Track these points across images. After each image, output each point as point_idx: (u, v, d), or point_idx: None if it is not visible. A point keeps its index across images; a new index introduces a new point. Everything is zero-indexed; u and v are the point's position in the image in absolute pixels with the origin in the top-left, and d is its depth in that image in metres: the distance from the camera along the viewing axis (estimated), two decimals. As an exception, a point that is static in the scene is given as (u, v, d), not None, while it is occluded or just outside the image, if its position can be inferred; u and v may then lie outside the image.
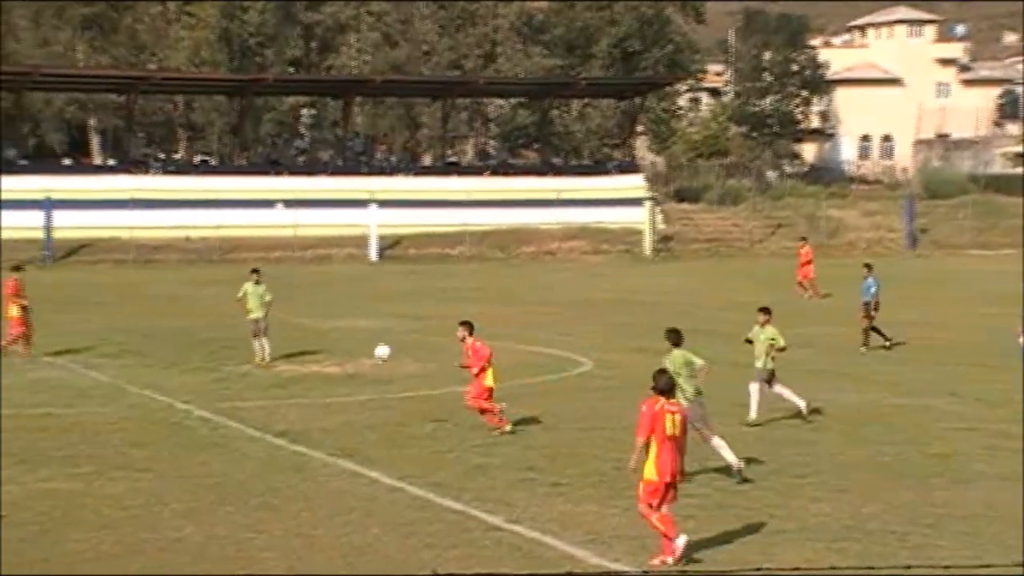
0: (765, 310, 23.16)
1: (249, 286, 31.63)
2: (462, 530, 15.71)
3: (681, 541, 14.27)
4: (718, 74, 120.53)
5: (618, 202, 78.01)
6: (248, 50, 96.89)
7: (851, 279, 38.81)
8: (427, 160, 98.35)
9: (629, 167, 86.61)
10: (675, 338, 18.80)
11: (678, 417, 14.37)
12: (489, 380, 21.82)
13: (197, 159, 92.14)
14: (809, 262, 50.44)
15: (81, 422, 22.79)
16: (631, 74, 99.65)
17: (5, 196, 67.46)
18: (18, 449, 20.35)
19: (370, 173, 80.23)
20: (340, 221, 72.08)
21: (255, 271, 32.59)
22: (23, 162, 76.47)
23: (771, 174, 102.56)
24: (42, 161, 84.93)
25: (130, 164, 78.00)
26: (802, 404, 23.07)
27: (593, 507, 16.78)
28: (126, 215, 67.94)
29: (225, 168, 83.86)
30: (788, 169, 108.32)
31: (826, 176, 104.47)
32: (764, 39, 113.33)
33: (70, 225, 66.37)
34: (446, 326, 35.18)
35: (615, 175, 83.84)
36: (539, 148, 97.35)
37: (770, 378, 22.99)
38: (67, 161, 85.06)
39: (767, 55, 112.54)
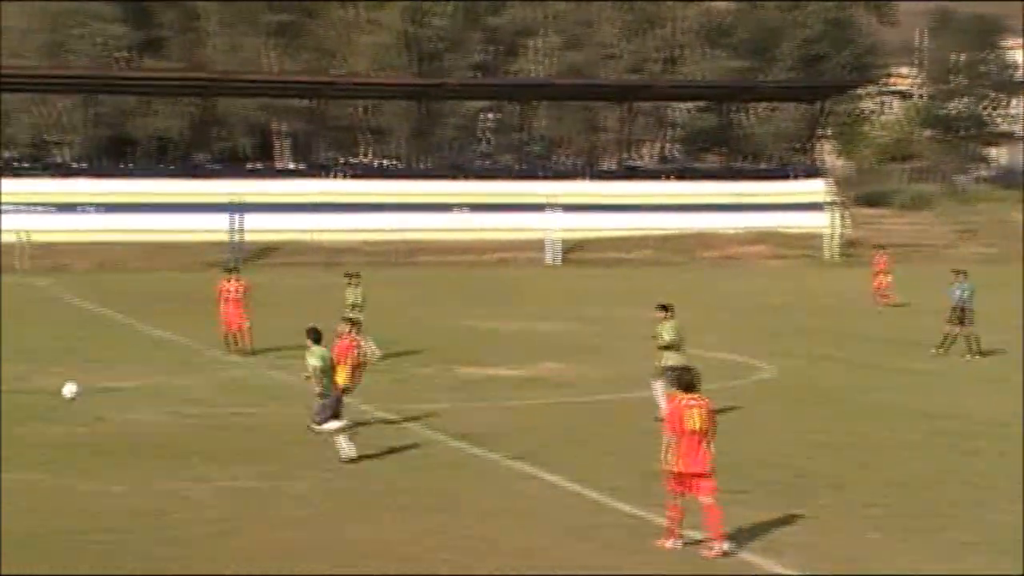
0: (664, 307, 23.53)
1: (350, 290, 32.23)
2: (640, 535, 15.63)
3: (670, 543, 14.87)
4: (903, 76, 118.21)
5: (801, 207, 77.11)
6: (431, 54, 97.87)
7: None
8: (607, 164, 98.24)
9: (812, 171, 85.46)
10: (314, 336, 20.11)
11: (700, 411, 14.76)
12: None
13: (380, 163, 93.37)
14: (884, 271, 48.83)
15: (267, 422, 23.22)
16: (816, 77, 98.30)
17: (195, 199, 69.20)
18: (206, 447, 20.81)
19: (550, 177, 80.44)
20: (520, 225, 72.39)
21: (352, 275, 33.43)
22: (213, 166, 78.32)
23: (961, 178, 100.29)
24: (231, 165, 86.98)
25: (315, 168, 79.38)
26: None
27: (772, 515, 16.57)
28: (311, 218, 69.13)
29: (407, 172, 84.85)
30: (978, 173, 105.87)
31: (1018, 180, 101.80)
32: (956, 40, 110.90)
33: (257, 228, 67.76)
34: (625, 330, 35.20)
35: (798, 179, 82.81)
36: (721, 152, 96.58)
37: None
38: (255, 165, 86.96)
39: (959, 56, 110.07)
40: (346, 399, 20.83)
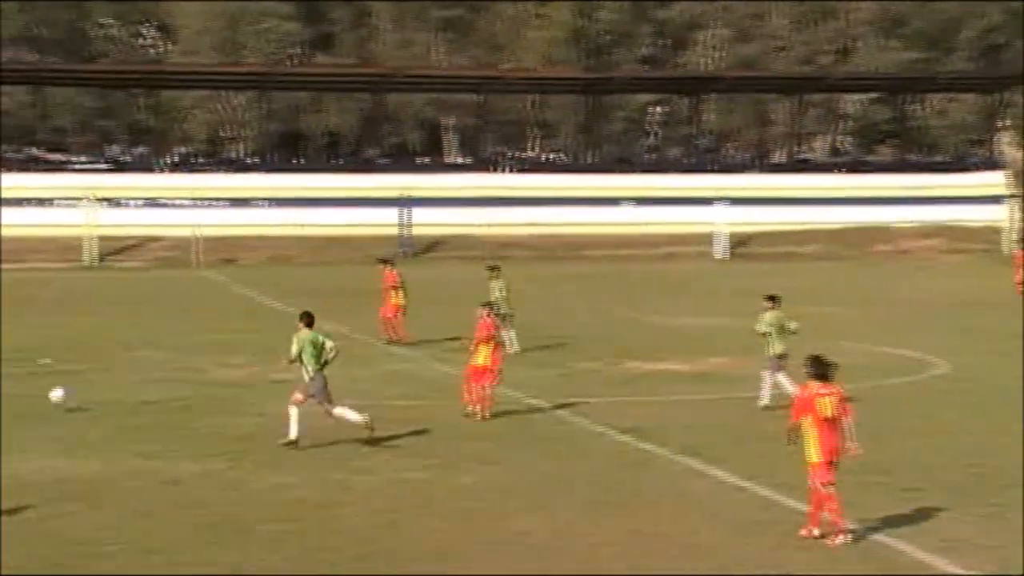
0: (772, 298, 23.97)
1: (493, 282, 32.31)
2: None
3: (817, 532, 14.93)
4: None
5: (978, 199, 75.37)
6: (600, 48, 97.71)
7: None
8: (778, 157, 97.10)
9: (991, 163, 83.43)
10: (307, 319, 20.47)
11: (832, 399, 14.88)
12: None
13: (547, 157, 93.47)
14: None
15: (431, 414, 23.28)
16: (996, 67, 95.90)
17: (366, 194, 69.99)
18: (373, 440, 20.90)
19: (719, 170, 79.79)
20: (688, 219, 71.88)
21: (494, 267, 33.49)
22: (383, 161, 79.15)
23: None
24: (400, 160, 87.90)
25: (483, 162, 79.75)
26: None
27: (948, 514, 16.11)
28: (478, 212, 69.45)
29: (574, 166, 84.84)
30: None
31: None
32: None
33: (426, 222, 68.28)
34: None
35: (975, 172, 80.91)
36: (895, 144, 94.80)
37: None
38: (423, 160, 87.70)
39: None
40: (502, 389, 20.77)
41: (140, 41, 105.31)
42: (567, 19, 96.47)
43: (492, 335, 23.27)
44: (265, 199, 70.89)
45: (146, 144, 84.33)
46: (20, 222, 66.49)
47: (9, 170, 72.56)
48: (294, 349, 20.46)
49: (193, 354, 29.85)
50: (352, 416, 20.45)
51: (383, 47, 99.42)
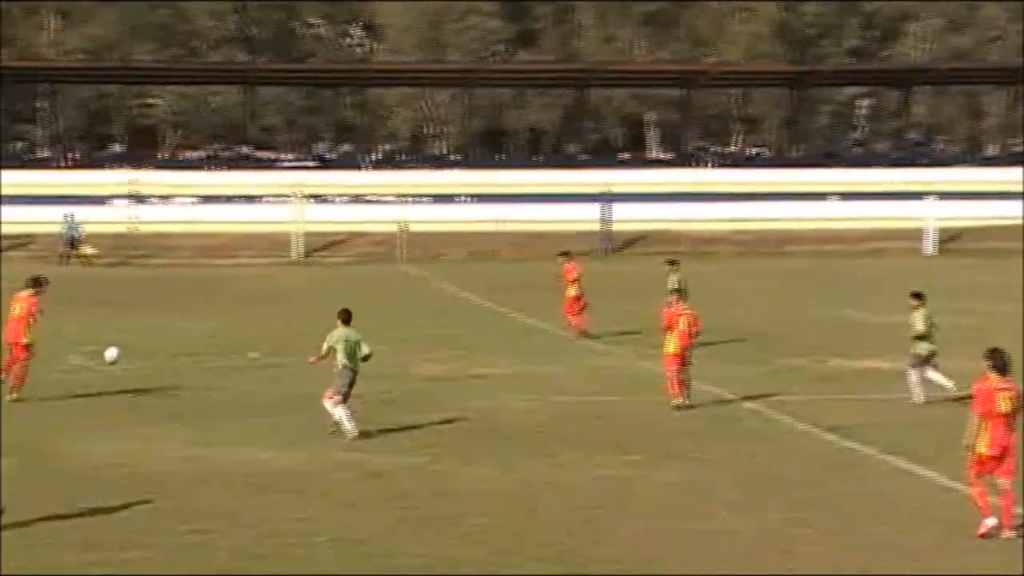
0: (917, 295, 24.27)
1: (671, 276, 32.57)
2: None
3: (991, 521, 14.91)
4: None
5: None
6: (806, 41, 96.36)
7: None
8: (991, 150, 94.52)
9: None
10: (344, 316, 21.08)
11: (1010, 394, 15.00)
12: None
13: (751, 152, 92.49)
14: None
15: (632, 410, 23.19)
16: None
17: (567, 190, 70.12)
18: (573, 435, 20.93)
19: (929, 164, 77.95)
20: (896, 214, 70.39)
21: (673, 261, 33.81)
22: (584, 157, 79.21)
23: None
24: (601, 156, 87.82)
25: (685, 157, 79.25)
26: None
27: None
28: (680, 208, 69.00)
29: (779, 160, 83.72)
30: None
31: None
32: None
33: (626, 218, 68.09)
34: (1006, 325, 33.62)
35: None
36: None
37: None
38: (625, 155, 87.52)
39: None
40: (705, 386, 20.60)
41: (347, 40, 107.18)
42: (772, 12, 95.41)
43: (674, 322, 23.69)
44: (467, 195, 71.52)
45: (351, 141, 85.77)
46: (231, 218, 68.24)
47: (220, 168, 74.49)
48: (324, 347, 21.09)
49: (396, 349, 30.20)
50: (344, 424, 20.64)
51: (585, 43, 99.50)
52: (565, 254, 36.01)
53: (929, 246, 68.74)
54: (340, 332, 21.06)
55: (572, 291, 34.30)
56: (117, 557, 14.23)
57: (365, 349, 21.05)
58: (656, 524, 15.65)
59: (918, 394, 23.75)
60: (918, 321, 23.97)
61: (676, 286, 31.29)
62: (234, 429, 21.37)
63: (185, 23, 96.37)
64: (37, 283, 25.01)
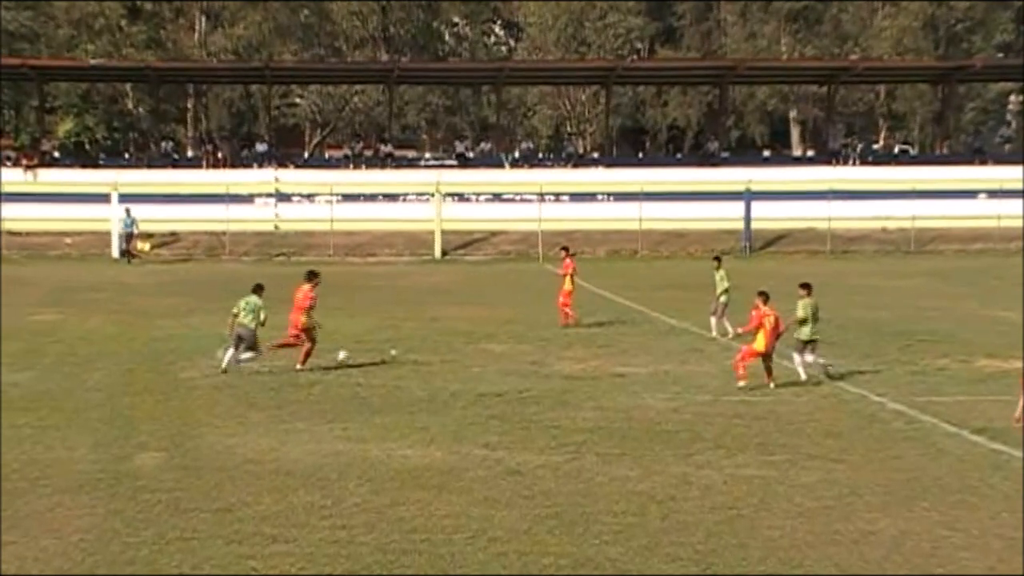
0: (805, 285, 26.43)
1: (717, 274, 34.16)
2: None
3: None
4: None
5: None
6: (954, 36, 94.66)
7: None
8: None
9: None
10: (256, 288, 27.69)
11: None
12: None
13: (897, 149, 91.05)
14: None
15: (775, 410, 22.96)
16: None
17: (709, 188, 69.67)
18: (715, 435, 20.79)
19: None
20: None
21: (717, 258, 35.59)
22: (725, 155, 78.61)
23: None
24: (743, 153, 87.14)
25: (829, 155, 78.26)
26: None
27: None
28: (823, 206, 68.17)
29: (925, 158, 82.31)
30: None
31: None
32: None
33: (769, 216, 67.45)
34: None
35: None
36: None
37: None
38: (767, 153, 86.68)
39: None
40: (847, 386, 20.28)
41: (488, 39, 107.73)
42: (919, 7, 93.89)
43: (761, 322, 25.39)
44: (607, 194, 71.36)
45: (492, 140, 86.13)
46: (372, 217, 68.90)
47: (361, 166, 75.25)
48: (235, 309, 27.09)
49: (534, 346, 30.26)
50: (243, 358, 26.88)
51: (727, 40, 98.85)
52: (565, 249, 38.04)
53: (1079, 244, 67.15)
54: (250, 299, 27.14)
55: (568, 285, 35.94)
56: (261, 552, 14.43)
57: (262, 316, 26.93)
58: (797, 525, 15.47)
59: (801, 373, 25.92)
60: (800, 309, 26.19)
61: (725, 285, 33.77)
62: (377, 425, 21.56)
63: (328, 23, 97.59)
64: (313, 275, 28.65)
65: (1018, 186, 70.68)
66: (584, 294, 46.51)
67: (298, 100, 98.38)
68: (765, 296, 26.16)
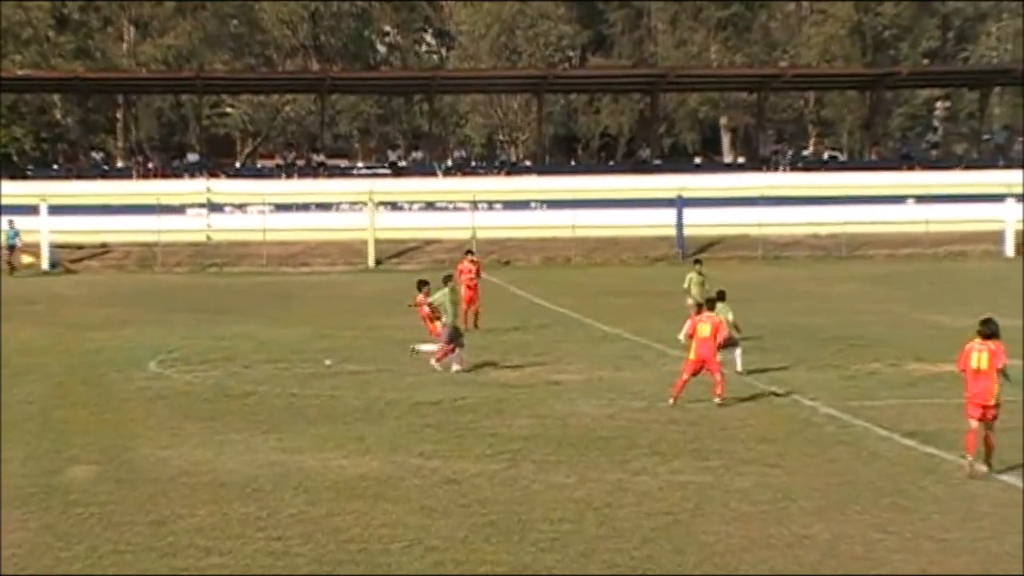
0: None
1: (693, 275, 34.49)
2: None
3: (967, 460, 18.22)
4: None
5: None
6: (881, 43, 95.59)
7: None
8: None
9: None
10: None
11: (984, 354, 18.46)
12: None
13: (826, 155, 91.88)
14: None
15: (709, 416, 23.08)
16: None
17: (641, 195, 69.95)
18: (650, 441, 20.85)
19: (1008, 166, 77.04)
20: (975, 216, 69.63)
21: (697, 262, 35.90)
22: (657, 162, 79.01)
23: None
24: (675, 160, 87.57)
25: (760, 161, 78.83)
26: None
27: None
28: (755, 212, 68.66)
29: (854, 163, 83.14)
30: None
31: None
32: None
33: (702, 222, 67.84)
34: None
35: None
36: None
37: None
38: (698, 159, 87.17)
39: None
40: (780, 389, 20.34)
41: (420, 48, 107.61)
42: (846, 14, 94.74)
43: (695, 329, 24.75)
44: (540, 201, 71.54)
45: (424, 149, 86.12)
46: (305, 226, 68.71)
47: (294, 176, 75.02)
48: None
49: (470, 354, 30.23)
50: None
51: (659, 48, 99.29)
52: (469, 252, 39.74)
53: (1009, 249, 67.96)
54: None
55: (467, 290, 36.35)
56: (196, 564, 14.33)
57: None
58: (733, 530, 15.55)
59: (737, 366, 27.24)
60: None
61: (692, 287, 34.24)
62: (313, 436, 21.48)
63: (258, 32, 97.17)
64: (423, 283, 30.93)
65: (947, 191, 71.49)
66: (520, 302, 46.62)
67: (229, 110, 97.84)
68: (710, 303, 25.95)
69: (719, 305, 26.28)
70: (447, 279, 30.23)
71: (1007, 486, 17.60)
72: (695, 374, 24.18)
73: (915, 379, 27.46)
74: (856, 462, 19.25)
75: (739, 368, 27.34)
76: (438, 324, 29.57)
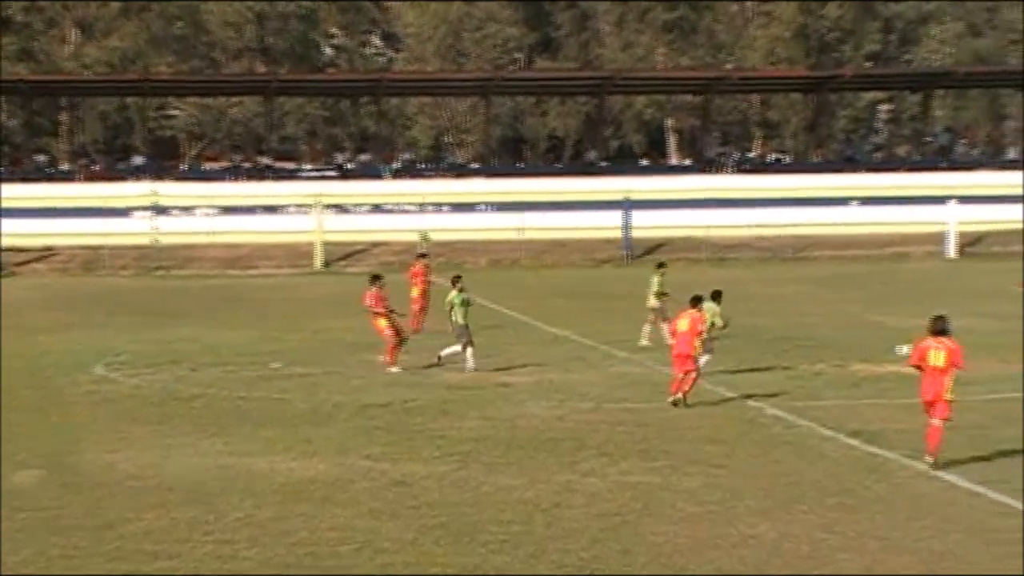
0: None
1: (656, 278, 34.08)
2: (1050, 542, 14.81)
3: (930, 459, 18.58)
4: None
5: None
6: (825, 46, 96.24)
7: None
8: (1012, 154, 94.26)
9: None
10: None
11: (941, 352, 18.65)
12: None
13: (771, 157, 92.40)
14: None
15: (657, 417, 23.20)
16: None
17: (588, 197, 70.18)
18: (598, 442, 20.95)
19: (951, 168, 77.79)
20: (918, 218, 70.27)
21: (661, 264, 35.57)
22: (604, 164, 79.23)
23: None
24: (622, 162, 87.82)
25: (705, 163, 79.20)
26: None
27: None
28: (701, 214, 68.96)
29: (799, 165, 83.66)
30: None
31: None
32: None
33: (648, 224, 68.10)
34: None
35: None
36: None
37: None
38: (645, 161, 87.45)
39: None
40: (727, 392, 20.55)
41: (367, 50, 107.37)
42: (791, 16, 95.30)
43: (674, 330, 25.04)
44: (488, 203, 71.58)
45: (371, 151, 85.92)
46: (252, 229, 68.45)
47: (240, 178, 74.73)
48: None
49: (419, 357, 30.24)
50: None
51: (605, 50, 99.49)
52: (422, 256, 40.00)
53: (951, 250, 68.60)
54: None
55: (415, 292, 36.74)
56: (143, 568, 14.29)
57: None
58: (680, 530, 15.66)
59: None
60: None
61: (658, 288, 33.85)
62: (260, 439, 21.44)
63: (203, 34, 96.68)
64: (376, 278, 30.35)
65: (890, 193, 72.10)
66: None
67: (175, 112, 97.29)
68: (695, 300, 25.45)
69: (706, 304, 26.10)
70: (456, 280, 30.03)
71: (950, 485, 17.80)
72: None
73: (859, 379, 27.70)
74: (801, 462, 19.41)
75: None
76: (382, 322, 29.51)
